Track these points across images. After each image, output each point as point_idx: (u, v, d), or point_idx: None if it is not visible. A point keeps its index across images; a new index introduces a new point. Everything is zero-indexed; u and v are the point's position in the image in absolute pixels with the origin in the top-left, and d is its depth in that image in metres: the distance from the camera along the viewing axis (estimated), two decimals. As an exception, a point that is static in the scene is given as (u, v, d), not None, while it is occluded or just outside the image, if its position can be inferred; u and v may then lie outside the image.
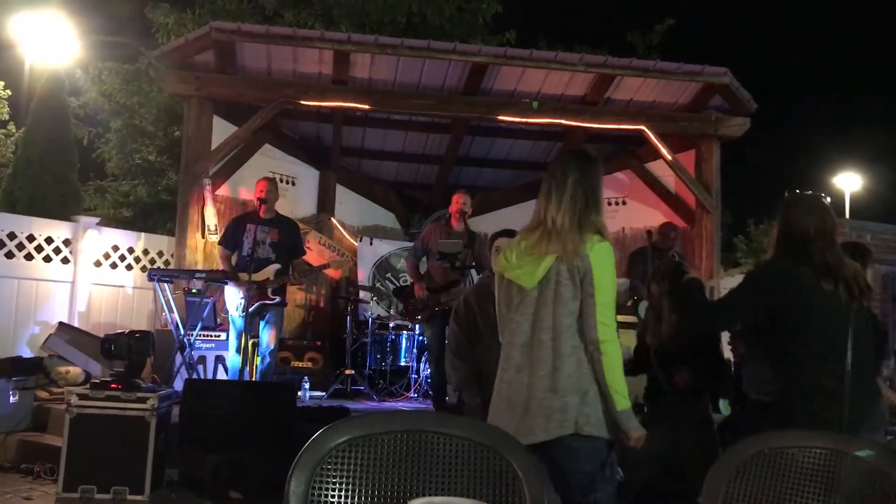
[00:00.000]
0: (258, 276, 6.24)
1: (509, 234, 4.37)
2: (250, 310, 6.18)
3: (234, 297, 6.34)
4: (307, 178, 9.48)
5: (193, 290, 6.61)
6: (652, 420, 3.88)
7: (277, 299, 6.40)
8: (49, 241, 7.35)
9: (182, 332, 6.33)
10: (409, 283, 7.68)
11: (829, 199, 3.10)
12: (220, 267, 6.54)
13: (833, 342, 2.86)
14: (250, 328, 6.29)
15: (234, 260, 6.51)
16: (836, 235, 2.98)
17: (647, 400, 3.94)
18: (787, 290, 2.92)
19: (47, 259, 7.33)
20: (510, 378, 2.70)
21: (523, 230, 2.84)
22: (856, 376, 2.83)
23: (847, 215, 19.89)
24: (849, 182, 24.19)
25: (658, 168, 9.00)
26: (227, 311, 6.59)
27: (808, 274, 2.90)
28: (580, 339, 2.62)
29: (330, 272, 8.03)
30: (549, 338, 2.63)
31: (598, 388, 2.61)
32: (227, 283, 6.32)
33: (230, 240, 6.55)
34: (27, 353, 6.83)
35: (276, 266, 6.38)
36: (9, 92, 13.89)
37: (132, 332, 5.20)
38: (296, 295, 8.83)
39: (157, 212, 12.56)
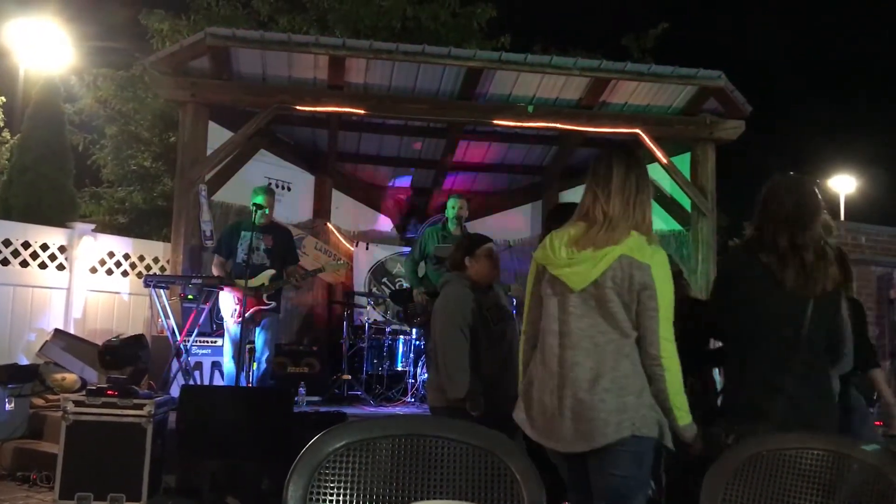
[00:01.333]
0: (253, 282, 6.24)
1: (486, 240, 4.35)
2: (246, 315, 6.19)
3: (228, 304, 6.34)
4: (303, 183, 9.48)
5: (189, 297, 6.61)
6: None
7: (272, 304, 6.40)
8: (44, 247, 7.34)
9: (178, 338, 6.32)
10: (405, 287, 7.68)
11: (818, 181, 3.06)
12: (215, 274, 6.53)
13: (781, 334, 2.82)
14: (246, 334, 6.29)
15: (227, 267, 6.52)
16: (816, 218, 2.88)
17: None
18: (738, 283, 2.92)
19: (43, 266, 7.32)
20: (556, 384, 2.58)
21: (568, 224, 2.71)
22: (806, 369, 2.79)
23: (842, 217, 19.94)
24: (843, 184, 24.26)
25: (654, 172, 8.99)
26: (221, 318, 6.58)
27: (761, 264, 2.85)
28: (634, 346, 2.55)
29: (327, 276, 8.03)
30: (607, 341, 2.55)
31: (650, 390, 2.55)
32: (223, 289, 6.32)
33: (224, 247, 6.55)
34: (23, 361, 6.81)
35: (272, 271, 6.39)
36: (3, 99, 13.86)
37: (130, 340, 5.19)
38: (292, 300, 8.82)
39: (152, 218, 12.54)
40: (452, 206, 6.53)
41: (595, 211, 2.64)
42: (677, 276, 3.91)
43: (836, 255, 2.99)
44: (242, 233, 6.46)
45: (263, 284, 6.32)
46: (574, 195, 8.85)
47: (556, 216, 3.71)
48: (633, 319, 2.55)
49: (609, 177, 2.68)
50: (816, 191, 2.96)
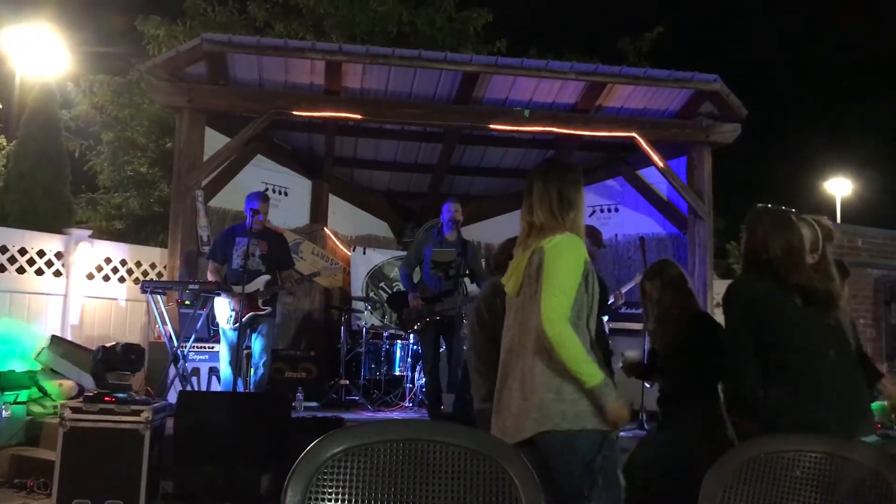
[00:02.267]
0: (249, 288, 6.23)
1: None
2: (242, 321, 6.18)
3: (224, 310, 6.33)
4: (300, 188, 9.48)
5: (186, 302, 6.60)
6: (664, 425, 3.83)
7: (268, 310, 6.40)
8: (41, 254, 7.32)
9: (175, 344, 6.31)
10: (402, 291, 7.67)
11: (794, 211, 3.07)
12: (210, 280, 6.53)
13: (814, 361, 2.84)
14: (243, 340, 6.28)
15: (222, 273, 6.51)
16: (804, 253, 2.95)
17: (660, 406, 3.86)
18: (764, 309, 2.90)
19: (39, 272, 7.30)
20: (501, 384, 2.84)
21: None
22: (843, 399, 2.82)
23: (838, 220, 19.97)
24: (839, 187, 24.32)
25: (650, 175, 9.03)
26: (216, 324, 6.56)
27: (778, 289, 2.88)
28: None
29: (322, 280, 8.02)
30: (526, 340, 2.74)
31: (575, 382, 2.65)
32: (219, 295, 6.31)
33: (219, 253, 6.55)
34: (20, 368, 6.79)
35: (266, 277, 6.40)
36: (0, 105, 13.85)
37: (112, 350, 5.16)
38: (290, 305, 8.81)
39: (149, 224, 12.52)
40: (448, 210, 6.52)
41: (524, 223, 2.88)
42: (682, 282, 3.88)
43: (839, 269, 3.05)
44: (237, 238, 6.46)
45: (259, 290, 6.31)
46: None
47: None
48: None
49: (531, 190, 2.87)
50: (796, 222, 3.00)
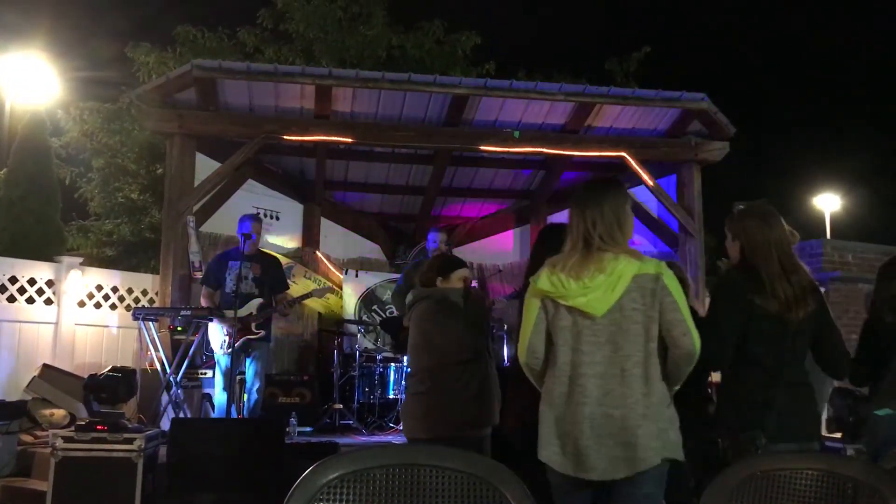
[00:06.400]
0: (241, 312, 6.20)
1: (462, 264, 4.41)
2: (236, 346, 6.15)
3: (217, 335, 6.30)
4: (291, 212, 9.48)
5: (179, 328, 6.56)
6: None
7: (262, 333, 6.37)
8: (32, 282, 7.29)
9: (168, 370, 6.27)
10: (395, 315, 7.65)
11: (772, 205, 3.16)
12: (203, 305, 6.50)
13: (768, 353, 2.93)
14: (237, 365, 6.25)
15: (216, 298, 6.48)
16: (790, 244, 3.07)
17: None
18: (741, 303, 2.97)
19: (30, 300, 7.26)
20: (590, 412, 2.60)
21: (565, 254, 2.77)
22: (787, 386, 2.91)
23: (828, 235, 20.08)
24: (828, 203, 24.49)
25: (640, 194, 9.06)
26: (210, 351, 6.53)
27: (754, 287, 2.95)
28: (661, 363, 2.65)
29: (316, 304, 7.99)
30: (633, 364, 2.61)
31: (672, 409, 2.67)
32: (212, 321, 6.28)
33: (212, 278, 6.53)
34: (10, 397, 6.73)
35: (260, 300, 6.37)
36: (-11, 133, 13.81)
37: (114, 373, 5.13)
38: (283, 329, 8.77)
39: (140, 250, 12.48)
40: (433, 241, 6.58)
41: (593, 237, 2.73)
42: (682, 283, 3.93)
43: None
44: (230, 262, 6.45)
45: (252, 314, 6.29)
46: (562, 218, 8.88)
47: (548, 238, 3.73)
48: (655, 331, 2.63)
49: (601, 204, 2.77)
50: (781, 218, 3.10)
